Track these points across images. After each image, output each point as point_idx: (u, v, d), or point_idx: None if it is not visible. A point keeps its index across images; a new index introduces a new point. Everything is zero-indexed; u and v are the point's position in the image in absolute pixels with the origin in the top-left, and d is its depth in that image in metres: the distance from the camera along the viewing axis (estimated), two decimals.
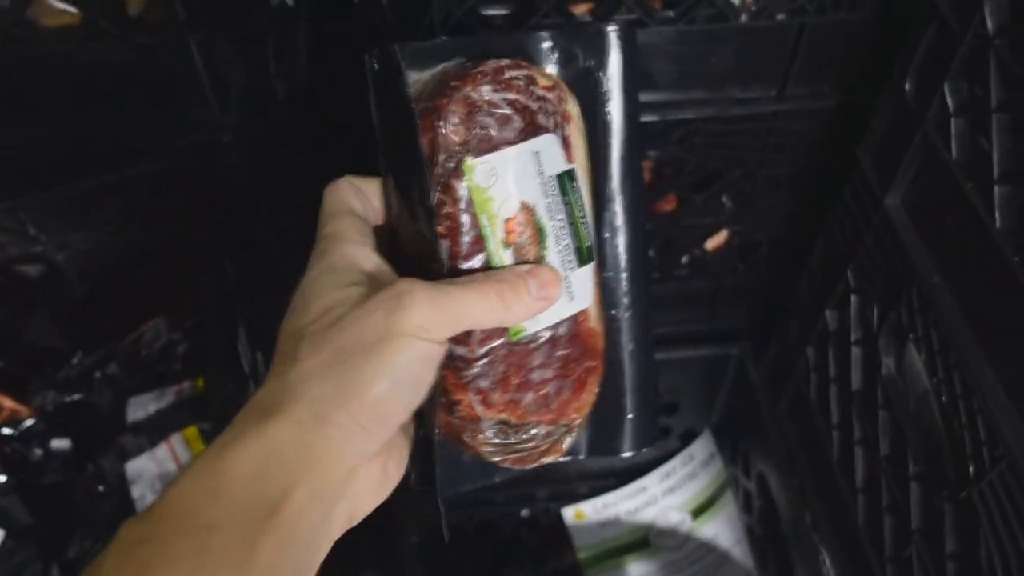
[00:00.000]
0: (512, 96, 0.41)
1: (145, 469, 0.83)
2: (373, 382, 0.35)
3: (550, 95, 0.42)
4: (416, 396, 0.38)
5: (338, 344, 0.36)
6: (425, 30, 0.57)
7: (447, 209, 0.40)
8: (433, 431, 0.42)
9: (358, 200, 0.42)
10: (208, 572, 0.32)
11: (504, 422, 0.43)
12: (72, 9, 0.60)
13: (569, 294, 0.43)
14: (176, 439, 0.85)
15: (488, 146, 0.40)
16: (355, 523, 0.39)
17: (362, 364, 0.35)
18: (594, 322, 0.44)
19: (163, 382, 0.87)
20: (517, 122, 0.41)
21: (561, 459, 0.47)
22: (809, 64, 0.63)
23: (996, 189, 0.50)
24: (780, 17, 0.60)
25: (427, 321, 0.36)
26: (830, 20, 0.60)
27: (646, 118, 0.65)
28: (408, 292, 0.36)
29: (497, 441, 0.44)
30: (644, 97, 0.64)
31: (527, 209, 0.41)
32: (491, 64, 0.41)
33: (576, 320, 0.43)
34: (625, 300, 0.48)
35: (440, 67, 0.42)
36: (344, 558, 0.42)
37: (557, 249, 0.42)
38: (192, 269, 0.74)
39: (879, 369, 0.65)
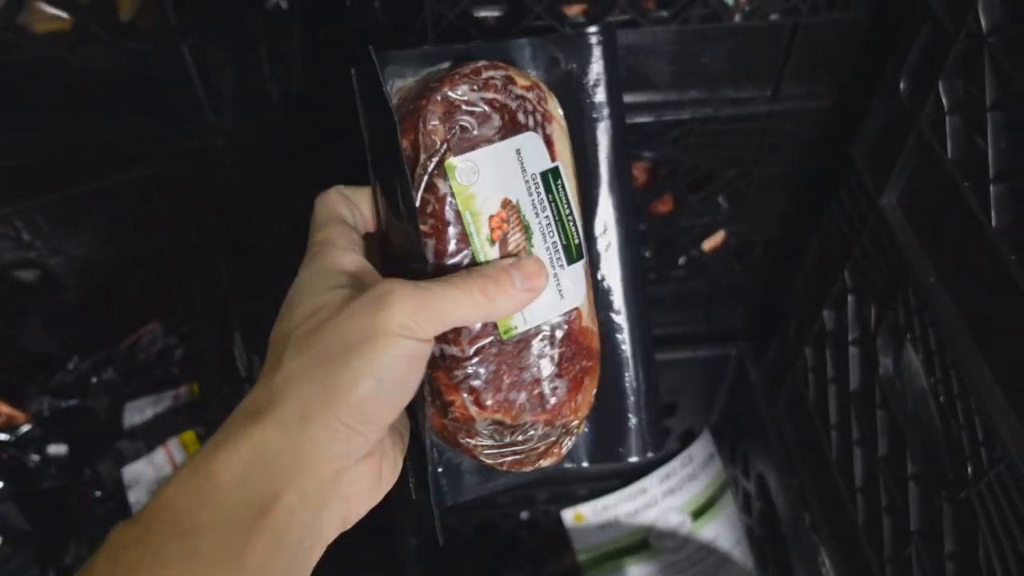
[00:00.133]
0: (490, 95, 0.42)
1: (142, 474, 0.83)
2: (357, 382, 0.35)
3: (529, 94, 0.43)
4: (402, 396, 0.37)
5: (322, 346, 0.36)
6: (417, 33, 0.57)
7: (431, 208, 0.41)
8: (424, 434, 0.41)
9: (347, 209, 0.43)
10: (198, 575, 0.32)
11: (499, 423, 0.42)
12: (64, 15, 0.60)
13: (559, 292, 0.43)
14: (173, 444, 0.85)
15: (469, 144, 0.41)
16: (349, 526, 0.39)
17: (346, 364, 0.35)
18: (588, 321, 0.44)
19: (160, 387, 0.87)
20: (496, 120, 0.42)
21: (565, 467, 0.47)
22: (803, 64, 0.63)
23: (992, 188, 0.49)
24: (774, 17, 0.60)
25: (410, 319, 0.36)
26: (823, 20, 0.60)
27: (640, 119, 0.65)
28: (390, 291, 0.36)
29: (492, 443, 0.43)
30: (638, 98, 0.64)
31: (510, 206, 0.41)
32: (469, 65, 0.42)
33: (569, 319, 0.43)
34: (620, 301, 0.48)
35: (424, 72, 0.43)
36: (343, 560, 0.42)
37: (544, 246, 0.42)
38: (186, 274, 0.74)
39: (877, 369, 0.64)
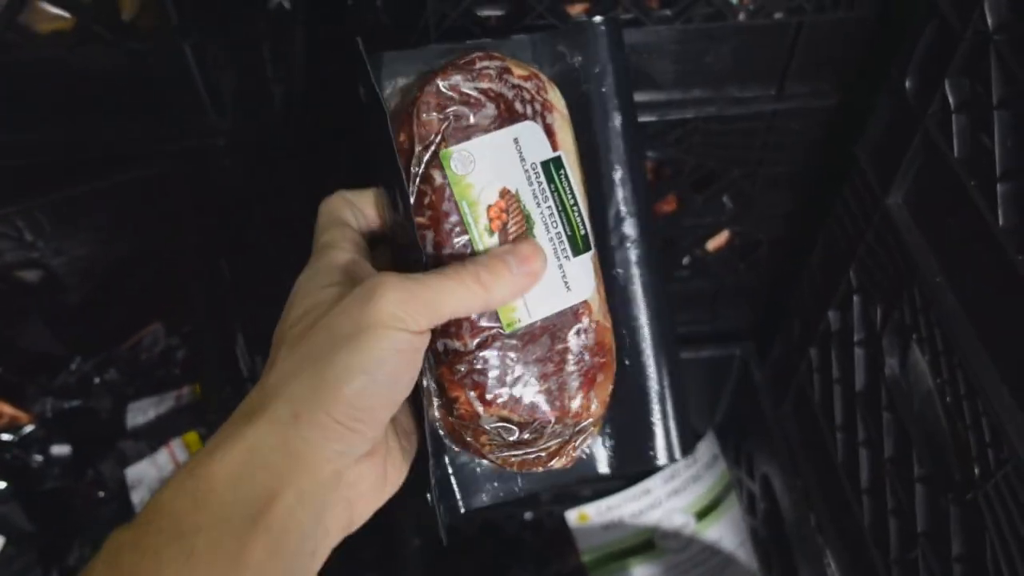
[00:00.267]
0: (485, 85, 0.42)
1: (145, 474, 0.83)
2: (348, 377, 0.35)
3: (527, 84, 0.42)
4: (396, 390, 0.37)
5: (314, 343, 0.36)
6: (419, 32, 0.57)
7: (428, 199, 0.40)
8: (424, 432, 0.41)
9: (350, 212, 0.43)
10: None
11: (506, 420, 0.41)
12: (66, 14, 0.60)
13: (565, 284, 0.42)
14: (176, 444, 0.85)
15: (464, 135, 0.41)
16: (353, 529, 0.39)
17: (336, 359, 0.35)
18: (599, 315, 0.43)
19: (162, 387, 0.87)
20: (491, 109, 0.41)
21: (587, 476, 0.46)
22: (807, 63, 0.62)
23: (998, 187, 0.49)
24: (778, 16, 0.60)
25: (400, 310, 0.36)
26: (828, 18, 0.59)
27: (644, 118, 0.65)
28: (379, 284, 0.36)
29: (500, 441, 0.42)
30: (642, 97, 0.64)
31: (509, 195, 0.41)
32: (464, 57, 0.42)
33: (576, 312, 0.42)
34: (640, 298, 0.46)
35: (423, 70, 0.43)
36: (345, 560, 0.42)
37: (548, 237, 0.41)
38: (188, 274, 0.74)
39: (882, 370, 0.64)
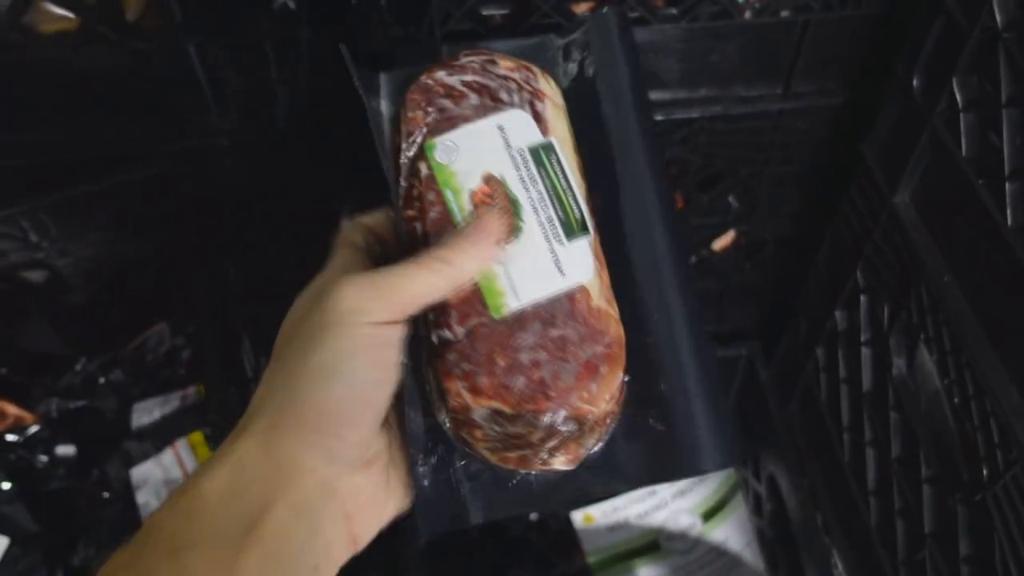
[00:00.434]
0: (468, 77, 0.42)
1: (150, 475, 0.83)
2: (313, 380, 0.35)
3: (514, 74, 0.42)
4: (370, 390, 0.36)
5: (285, 351, 0.36)
6: (423, 32, 0.57)
7: (416, 191, 0.41)
8: (407, 431, 0.39)
9: (360, 235, 0.43)
10: None
11: (498, 412, 0.39)
12: (69, 14, 0.60)
13: (558, 268, 0.40)
14: (181, 444, 0.85)
15: (449, 125, 0.41)
16: (361, 545, 0.38)
17: (302, 364, 0.35)
18: (600, 301, 0.41)
19: (167, 387, 0.87)
20: (474, 99, 0.42)
21: (615, 486, 0.42)
22: (814, 61, 0.62)
23: (1007, 186, 0.49)
24: (784, 14, 0.59)
25: (357, 304, 0.35)
26: (835, 16, 0.59)
27: None
28: (336, 281, 0.36)
29: (493, 435, 0.40)
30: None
31: (494, 180, 0.41)
32: (448, 55, 0.43)
33: (572, 298, 0.40)
34: (664, 286, 0.42)
35: None
36: (348, 560, 0.41)
37: (537, 220, 0.41)
38: (191, 274, 0.74)
39: (890, 369, 0.64)
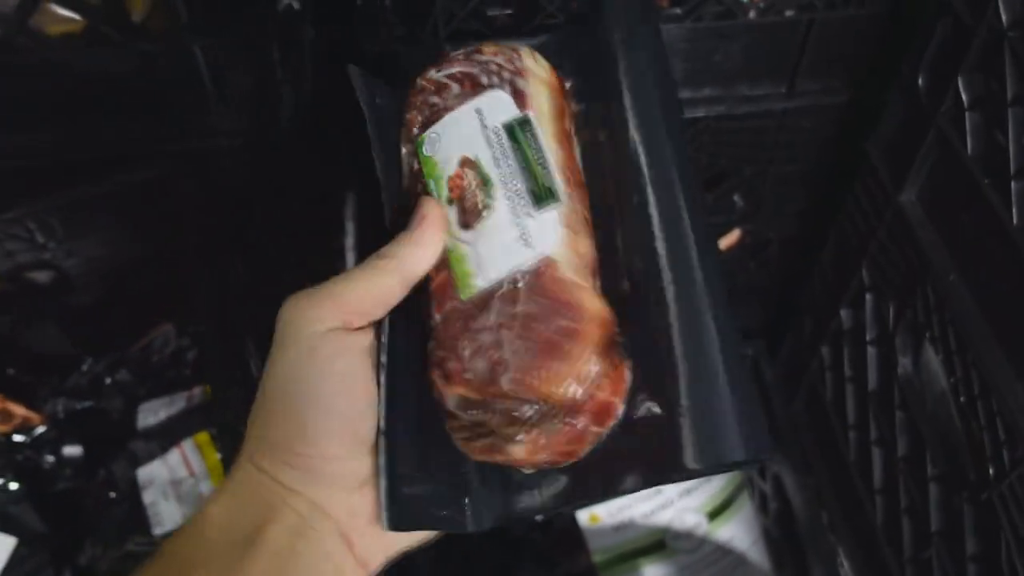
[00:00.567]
0: (453, 69, 0.42)
1: (156, 475, 0.83)
2: (276, 401, 0.35)
3: (496, 58, 0.42)
4: (332, 401, 0.35)
5: (262, 378, 0.36)
6: (428, 32, 0.57)
7: (416, 189, 0.41)
8: (377, 441, 0.36)
9: None
10: None
11: (465, 399, 0.37)
12: (75, 16, 0.60)
13: (524, 240, 0.38)
14: (187, 444, 0.85)
15: (435, 119, 0.42)
16: (373, 568, 0.37)
17: (266, 385, 0.35)
18: (568, 271, 0.37)
19: (173, 388, 0.87)
20: (456, 89, 0.42)
21: (620, 488, 0.36)
22: (818, 60, 0.62)
23: (1013, 184, 0.49)
24: (789, 13, 0.59)
25: (306, 313, 0.35)
26: (839, 15, 0.59)
27: None
28: (287, 299, 0.36)
29: (462, 423, 0.38)
30: None
31: (469, 163, 0.40)
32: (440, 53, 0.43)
33: (537, 270, 0.37)
34: (666, 253, 0.37)
35: None
36: None
37: (506, 195, 0.39)
38: (197, 275, 0.74)
39: (895, 368, 0.64)
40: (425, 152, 0.41)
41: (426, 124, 0.42)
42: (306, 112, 0.66)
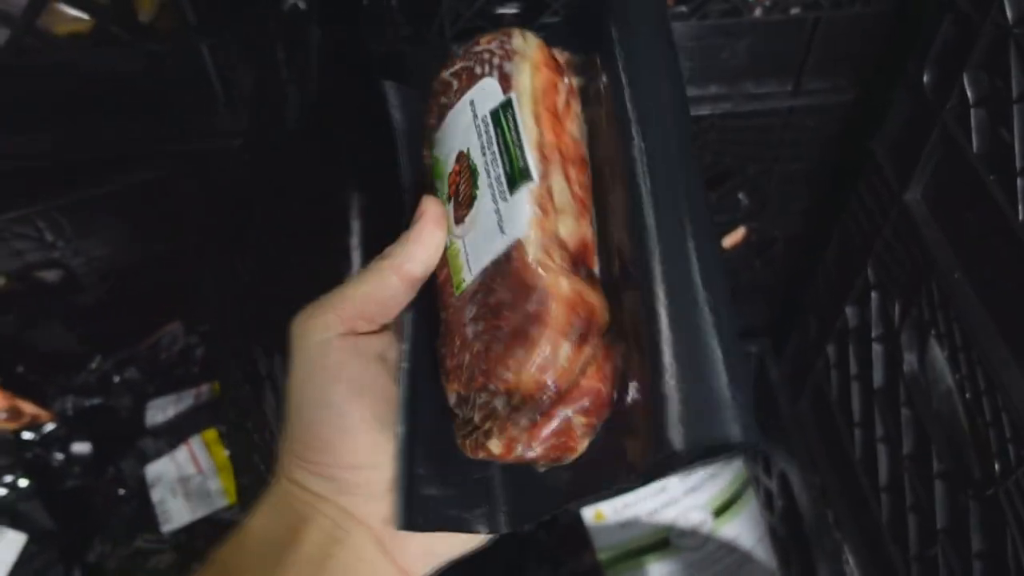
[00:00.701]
0: (457, 67, 0.42)
1: (165, 472, 0.84)
2: (294, 411, 0.36)
3: (489, 45, 0.41)
4: (343, 409, 0.35)
5: (284, 393, 0.37)
6: (435, 31, 0.57)
7: (431, 194, 0.41)
8: (399, 447, 0.36)
9: None
10: None
11: (459, 395, 0.37)
12: (84, 16, 0.60)
13: (500, 228, 0.36)
14: (195, 442, 0.85)
15: (444, 119, 0.42)
16: (419, 572, 0.38)
17: (287, 396, 0.36)
18: (538, 253, 0.35)
19: (181, 385, 0.88)
20: (456, 85, 0.42)
21: (617, 481, 0.34)
22: (824, 58, 0.62)
23: (1018, 182, 0.49)
24: (795, 11, 0.59)
25: (312, 322, 0.36)
26: (845, 13, 0.59)
27: None
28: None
29: (460, 421, 0.37)
30: None
31: (462, 156, 0.40)
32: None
33: (509, 256, 0.35)
34: (656, 230, 0.34)
35: None
36: None
37: (488, 183, 0.38)
38: (205, 273, 0.74)
39: (901, 366, 0.64)
40: (434, 153, 0.42)
41: (438, 125, 0.42)
42: (311, 112, 0.67)
